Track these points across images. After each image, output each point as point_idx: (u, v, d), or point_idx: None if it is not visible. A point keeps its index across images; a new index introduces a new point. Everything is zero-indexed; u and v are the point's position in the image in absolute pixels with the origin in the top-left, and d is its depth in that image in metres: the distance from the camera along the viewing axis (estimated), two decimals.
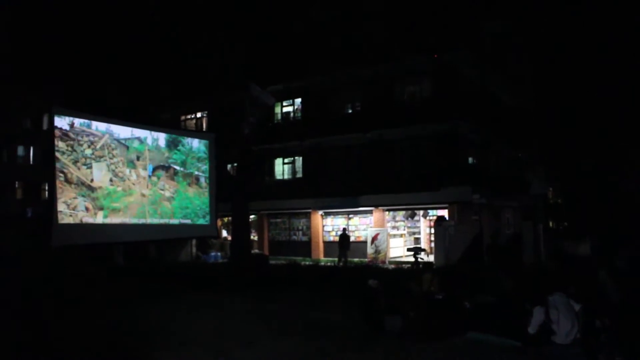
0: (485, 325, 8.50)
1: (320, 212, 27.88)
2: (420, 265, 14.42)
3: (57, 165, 16.84)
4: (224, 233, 30.64)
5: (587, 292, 8.50)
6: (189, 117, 33.46)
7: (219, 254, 26.70)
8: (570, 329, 7.85)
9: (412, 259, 16.14)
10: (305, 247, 28.18)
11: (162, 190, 20.08)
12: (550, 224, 36.77)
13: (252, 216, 28.99)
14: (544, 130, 35.27)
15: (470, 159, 26.16)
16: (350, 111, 27.62)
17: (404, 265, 21.09)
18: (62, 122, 17.12)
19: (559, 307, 8.04)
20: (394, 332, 8.93)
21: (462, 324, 8.76)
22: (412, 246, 19.17)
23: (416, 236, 26.52)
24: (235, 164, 27.33)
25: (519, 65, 31.30)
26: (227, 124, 26.61)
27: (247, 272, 17.10)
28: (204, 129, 31.41)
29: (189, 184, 21.15)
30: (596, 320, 7.72)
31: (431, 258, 21.79)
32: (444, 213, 23.83)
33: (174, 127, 26.78)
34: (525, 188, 24.37)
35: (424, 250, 17.66)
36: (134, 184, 19.11)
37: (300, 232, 29.04)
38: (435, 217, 23.60)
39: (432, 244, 23.50)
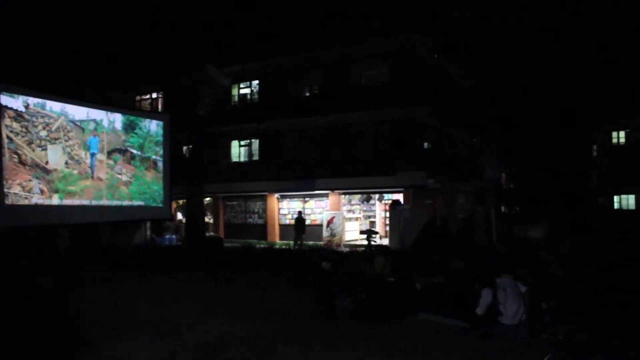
0: (435, 307, 8.65)
1: (277, 195, 27.83)
2: (373, 248, 14.54)
3: (11, 146, 16.42)
4: (179, 215, 30.34)
5: (533, 274, 8.69)
6: (144, 97, 32.82)
7: (173, 236, 26.44)
8: (517, 309, 8.03)
9: (366, 242, 16.28)
10: (261, 230, 28.14)
11: (119, 174, 19.73)
12: (503, 208, 37.51)
13: (207, 199, 28.77)
14: (498, 116, 35.84)
15: (425, 144, 26.44)
16: (308, 94, 27.54)
17: (358, 248, 21.24)
18: (16, 102, 16.66)
19: (506, 289, 8.22)
20: (346, 314, 9.00)
21: (413, 305, 8.89)
22: (365, 229, 19.32)
23: (371, 220, 26.75)
24: (191, 146, 27.00)
25: (477, 50, 31.66)
26: (182, 105, 26.20)
27: (201, 254, 16.99)
28: (160, 110, 30.86)
29: (147, 169, 20.83)
30: (541, 302, 7.93)
31: (386, 241, 22.01)
32: (399, 197, 24.05)
33: (129, 107, 26.21)
34: (479, 173, 24.80)
35: (376, 232, 17.84)
36: (90, 167, 18.73)
37: (256, 215, 28.97)
38: (390, 201, 23.82)
39: (387, 228, 23.75)
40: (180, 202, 29.41)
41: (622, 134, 51.86)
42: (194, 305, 10.22)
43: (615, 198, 50.93)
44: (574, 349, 6.82)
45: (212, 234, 28.06)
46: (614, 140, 52.28)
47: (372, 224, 26.37)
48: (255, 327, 8.30)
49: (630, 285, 10.38)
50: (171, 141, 22.19)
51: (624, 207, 50.00)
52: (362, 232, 17.73)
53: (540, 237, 17.39)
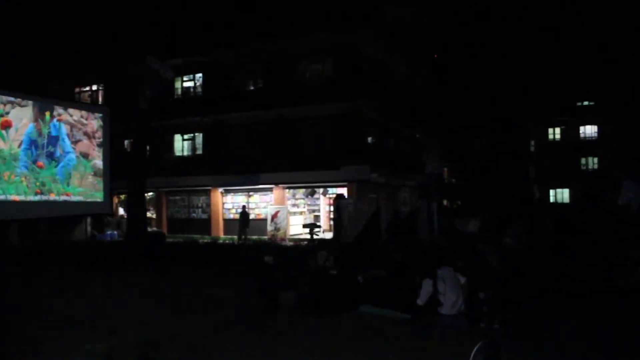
0: (376, 299, 8.77)
1: (221, 189, 27.62)
2: (316, 242, 14.65)
3: None
4: (121, 211, 29.69)
5: (472, 266, 8.90)
6: (83, 89, 31.92)
7: (115, 232, 25.93)
8: (456, 300, 8.21)
9: (317, 237, 16.44)
10: (205, 224, 27.88)
11: None
12: (445, 202, 38.25)
13: (150, 193, 28.30)
14: (440, 112, 36.52)
15: (369, 139, 26.69)
16: (252, 88, 27.39)
17: (303, 242, 21.32)
18: None
19: (446, 280, 8.40)
20: (289, 307, 9.03)
21: (355, 298, 8.99)
22: (307, 223, 19.40)
23: (316, 214, 26.85)
24: (132, 140, 26.47)
25: (419, 46, 32.14)
26: (123, 98, 25.64)
27: (142, 250, 16.71)
28: (100, 103, 30.07)
29: None
30: (479, 292, 8.13)
31: (330, 235, 22.16)
32: (343, 191, 24.25)
33: (67, 99, 25.40)
34: (421, 168, 25.25)
35: (319, 226, 17.95)
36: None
37: (200, 210, 28.67)
38: (334, 195, 23.98)
39: (331, 222, 23.91)
40: (122, 197, 28.78)
41: (557, 130, 53.83)
42: (135, 301, 10.05)
43: (551, 192, 52.81)
44: (508, 337, 7.06)
45: (154, 229, 27.62)
46: (550, 137, 54.19)
47: (317, 218, 26.49)
48: (197, 323, 8.23)
49: (564, 276, 10.80)
50: (112, 134, 21.63)
51: (559, 200, 51.92)
52: (305, 226, 17.81)
53: (481, 230, 17.80)
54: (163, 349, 6.79)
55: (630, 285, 8.38)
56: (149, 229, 24.95)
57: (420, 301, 8.37)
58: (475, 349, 3.42)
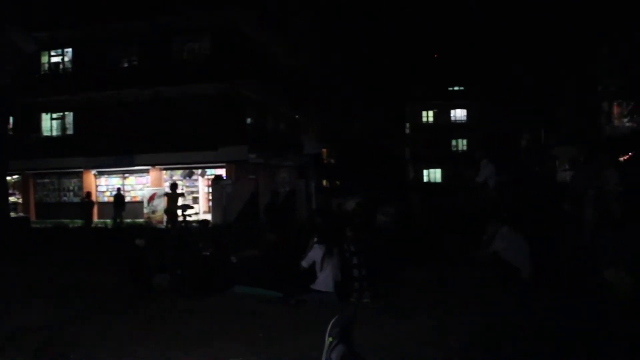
0: (250, 278, 8.80)
1: (94, 171, 26.46)
2: (191, 223, 14.47)
3: None
4: None
5: (347, 244, 9.09)
6: None
7: None
8: (331, 278, 8.39)
9: (190, 218, 16.25)
10: (77, 208, 26.51)
11: None
12: (324, 182, 38.83)
13: (15, 176, 26.57)
14: (319, 93, 36.99)
15: (248, 119, 26.59)
16: (126, 65, 26.31)
17: (181, 224, 20.93)
18: None
19: (333, 258, 8.52)
20: (162, 291, 8.86)
21: (229, 278, 8.97)
22: (180, 204, 19.08)
23: (195, 195, 26.41)
24: None
25: (299, 27, 32.31)
26: None
27: (3, 237, 15.69)
28: None
29: None
30: (353, 269, 8.33)
31: (209, 216, 21.95)
32: (222, 172, 24.07)
33: None
34: (300, 148, 25.54)
35: (191, 207, 17.83)
36: None
37: (72, 193, 27.29)
38: (213, 176, 23.72)
39: (210, 203, 23.68)
40: None
41: (430, 113, 56.44)
42: None
43: (425, 171, 55.44)
44: (377, 310, 7.38)
45: (21, 214, 25.99)
46: (424, 119, 56.71)
47: (195, 199, 26.07)
48: (61, 312, 7.81)
49: (430, 249, 11.42)
50: None
51: (432, 179, 54.64)
52: (178, 208, 17.57)
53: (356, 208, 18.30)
54: (21, 340, 6.42)
55: (486, 257, 8.99)
56: (13, 215, 23.51)
57: (305, 263, 8.49)
58: (331, 322, 3.53)
